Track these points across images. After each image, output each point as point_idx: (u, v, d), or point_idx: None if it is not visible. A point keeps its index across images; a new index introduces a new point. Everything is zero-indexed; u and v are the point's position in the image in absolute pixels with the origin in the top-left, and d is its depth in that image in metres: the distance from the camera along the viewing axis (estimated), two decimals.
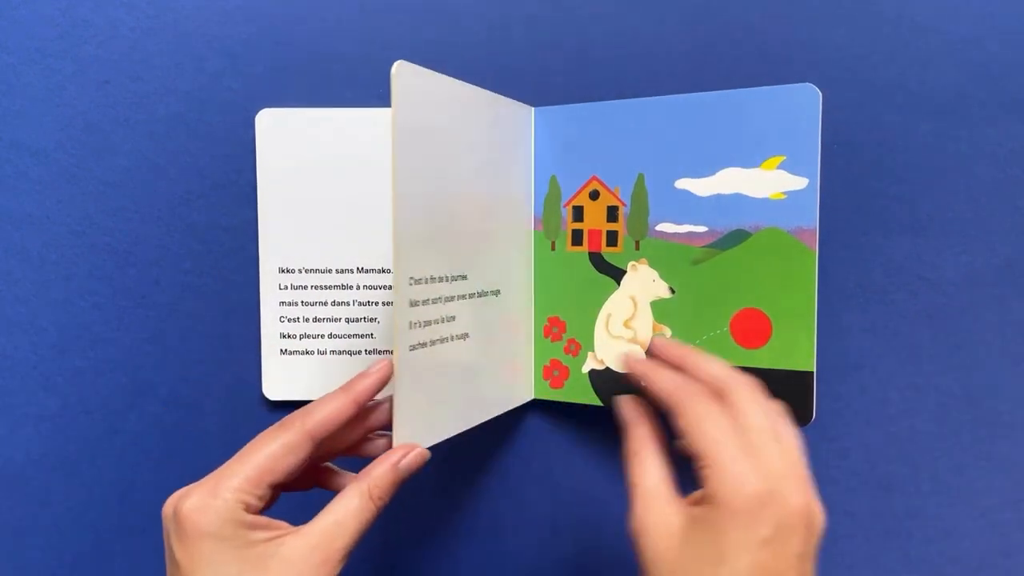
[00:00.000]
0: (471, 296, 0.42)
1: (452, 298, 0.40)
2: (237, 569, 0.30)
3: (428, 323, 0.37)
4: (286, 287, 0.48)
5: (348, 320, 0.48)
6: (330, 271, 0.48)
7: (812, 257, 0.42)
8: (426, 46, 0.49)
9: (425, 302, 0.37)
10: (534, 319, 0.48)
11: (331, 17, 0.49)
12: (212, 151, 0.49)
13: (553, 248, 0.48)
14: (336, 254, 0.48)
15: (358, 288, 0.48)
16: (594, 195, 0.46)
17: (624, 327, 0.46)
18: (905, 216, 0.49)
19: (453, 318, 0.40)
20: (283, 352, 0.48)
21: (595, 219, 0.46)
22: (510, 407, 0.46)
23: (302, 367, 0.48)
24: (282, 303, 0.48)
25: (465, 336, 0.41)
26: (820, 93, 0.40)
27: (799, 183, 0.42)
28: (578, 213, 0.47)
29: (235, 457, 0.33)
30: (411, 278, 0.36)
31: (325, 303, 0.48)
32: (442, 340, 0.39)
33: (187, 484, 0.33)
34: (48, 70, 0.48)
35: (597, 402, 0.47)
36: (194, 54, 0.49)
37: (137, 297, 0.49)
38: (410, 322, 0.36)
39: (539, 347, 0.48)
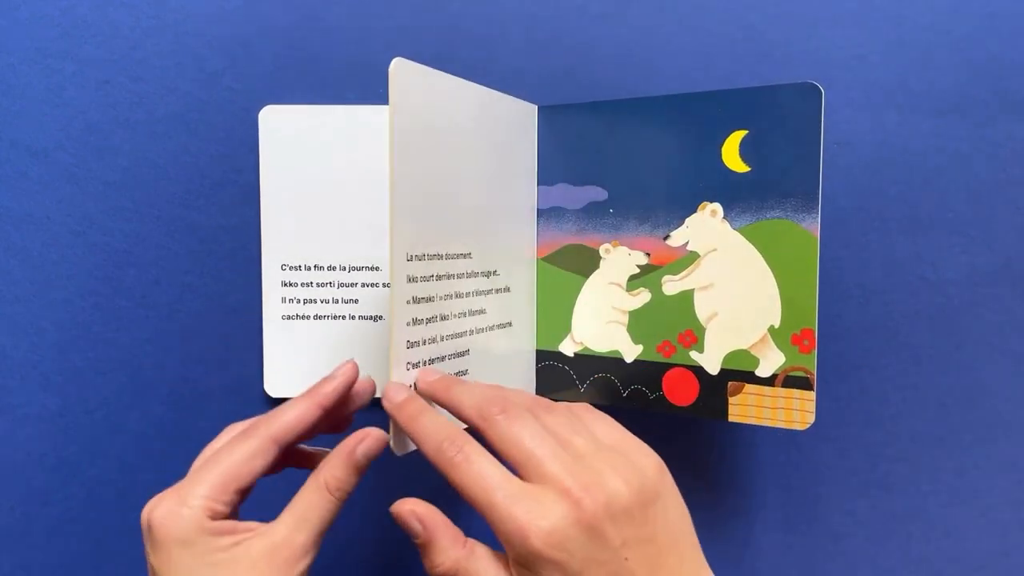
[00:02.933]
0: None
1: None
2: (206, 572, 0.31)
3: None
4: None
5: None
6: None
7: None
8: (427, 45, 0.49)
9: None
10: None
11: (331, 16, 0.49)
12: (213, 151, 0.49)
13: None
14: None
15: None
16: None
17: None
18: (905, 216, 0.49)
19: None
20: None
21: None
22: None
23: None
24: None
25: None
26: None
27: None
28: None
29: (203, 464, 0.34)
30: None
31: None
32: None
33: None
34: (48, 70, 0.48)
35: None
36: (194, 54, 0.49)
37: (137, 297, 0.49)
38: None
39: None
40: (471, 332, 0.42)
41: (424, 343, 0.38)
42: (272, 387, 0.48)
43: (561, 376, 0.48)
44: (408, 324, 0.36)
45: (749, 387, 0.42)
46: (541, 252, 0.48)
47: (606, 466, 0.31)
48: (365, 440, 0.35)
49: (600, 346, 0.47)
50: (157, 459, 0.50)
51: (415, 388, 0.37)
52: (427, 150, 0.37)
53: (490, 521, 0.30)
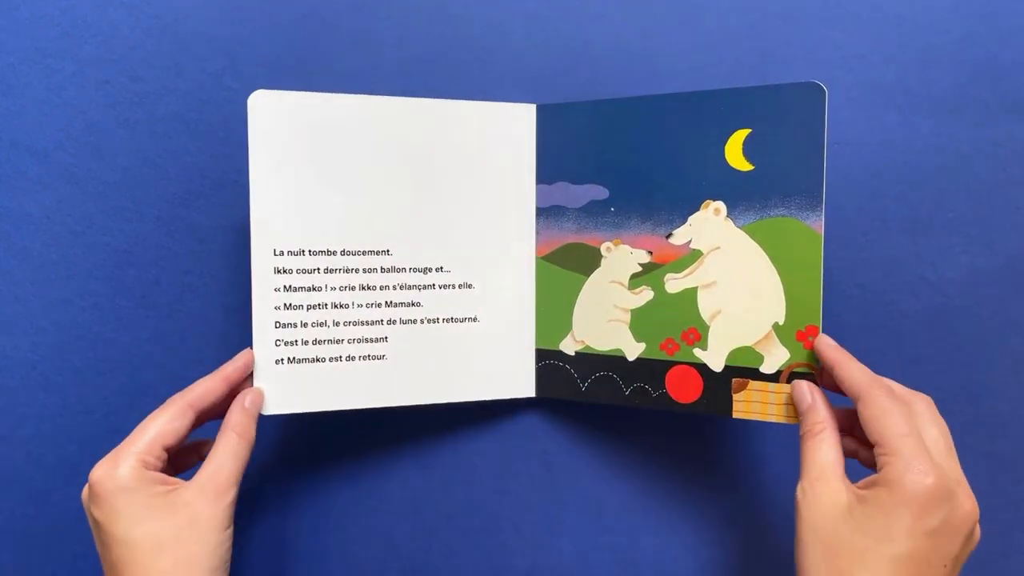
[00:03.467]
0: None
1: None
2: (147, 513, 0.37)
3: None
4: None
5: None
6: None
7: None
8: (427, 42, 0.49)
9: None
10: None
11: (331, 16, 0.49)
12: (212, 151, 0.49)
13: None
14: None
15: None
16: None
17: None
18: (905, 216, 0.49)
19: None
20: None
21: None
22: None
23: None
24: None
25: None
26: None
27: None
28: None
29: (130, 434, 0.39)
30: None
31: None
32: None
33: (187, 484, 0.39)
34: (48, 70, 0.48)
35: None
36: (194, 54, 0.49)
37: (137, 297, 0.49)
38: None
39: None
40: (388, 322, 0.46)
41: (297, 325, 0.44)
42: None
43: (561, 375, 0.48)
44: (277, 308, 0.44)
45: (753, 384, 0.43)
46: (540, 251, 0.48)
47: (961, 478, 0.36)
48: (250, 394, 0.43)
49: (601, 345, 0.47)
50: None
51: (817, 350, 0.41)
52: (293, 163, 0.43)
53: (889, 451, 0.35)
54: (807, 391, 0.41)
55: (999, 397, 0.50)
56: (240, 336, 0.49)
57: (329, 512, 0.50)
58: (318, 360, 0.45)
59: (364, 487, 0.51)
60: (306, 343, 0.45)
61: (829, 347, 0.41)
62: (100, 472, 0.37)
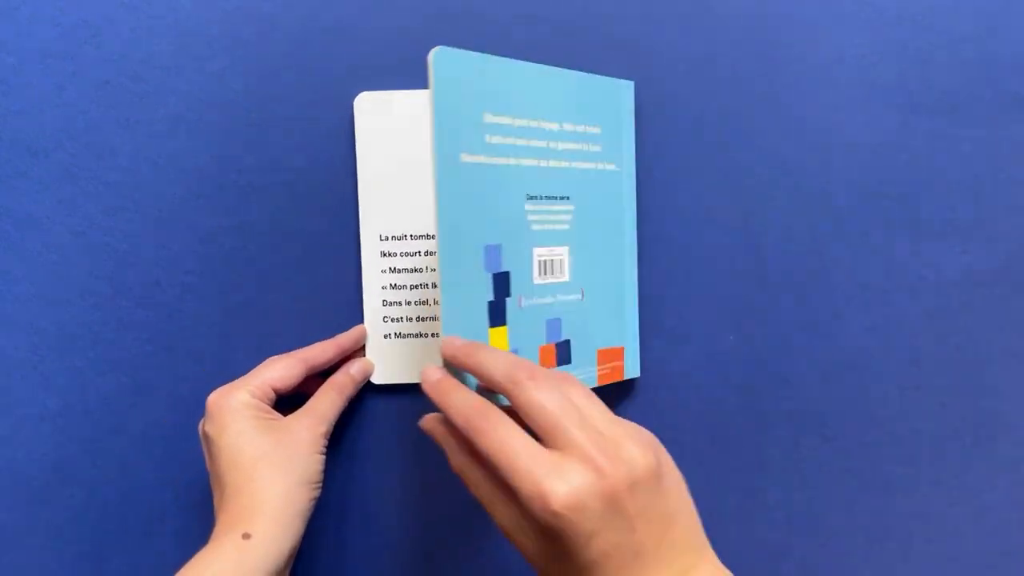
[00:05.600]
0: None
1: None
2: (251, 427, 0.42)
3: None
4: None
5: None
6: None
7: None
8: (431, 43, 0.49)
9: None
10: None
11: (331, 16, 0.49)
12: (212, 151, 0.49)
13: None
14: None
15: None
16: None
17: None
18: (905, 216, 0.49)
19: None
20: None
21: None
22: None
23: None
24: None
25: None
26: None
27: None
28: None
29: (248, 373, 0.45)
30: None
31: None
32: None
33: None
34: (48, 70, 0.48)
35: None
36: (194, 54, 0.49)
37: (137, 297, 0.49)
38: None
39: None
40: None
41: (402, 304, 0.48)
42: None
43: None
44: (384, 288, 0.48)
45: None
46: None
47: (626, 439, 0.33)
48: (360, 362, 0.48)
49: None
50: (157, 459, 0.50)
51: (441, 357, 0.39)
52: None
53: (513, 485, 0.32)
54: (436, 424, 0.38)
55: (999, 397, 0.50)
56: (240, 336, 0.49)
57: (329, 512, 0.50)
58: (421, 336, 0.49)
59: (364, 487, 0.51)
60: (410, 320, 0.49)
61: (427, 381, 0.38)
62: (215, 396, 0.44)
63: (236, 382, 0.44)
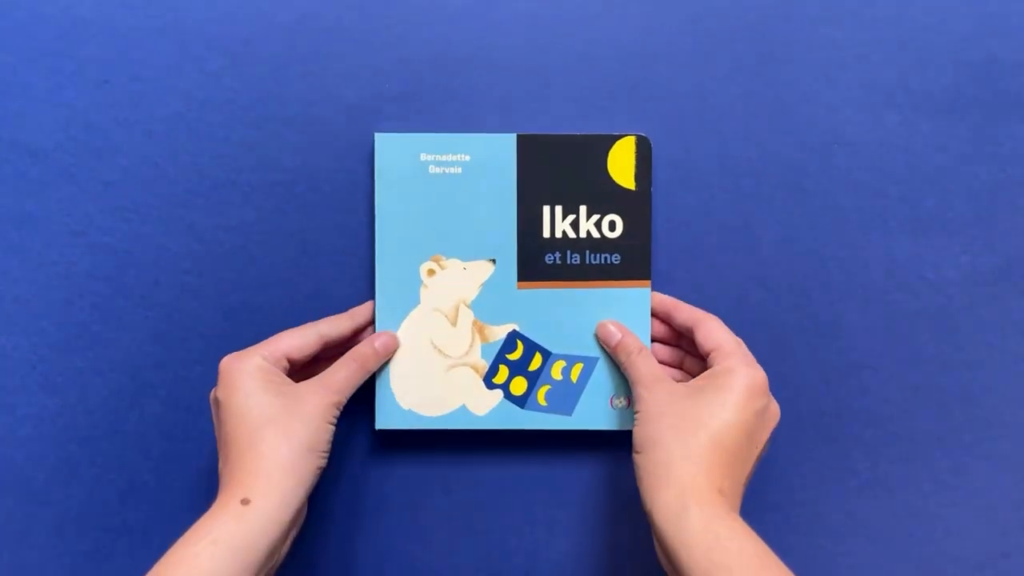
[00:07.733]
0: None
1: None
2: (261, 389, 0.42)
3: None
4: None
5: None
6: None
7: None
8: (429, 42, 0.49)
9: None
10: None
11: (331, 16, 0.49)
12: (212, 151, 0.49)
13: None
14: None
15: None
16: None
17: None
18: (905, 216, 0.49)
19: None
20: None
21: None
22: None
23: None
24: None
25: None
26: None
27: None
28: None
29: (262, 342, 0.44)
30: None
31: None
32: None
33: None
34: (48, 70, 0.48)
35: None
36: (194, 54, 0.49)
37: (137, 297, 0.49)
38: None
39: None
40: None
41: None
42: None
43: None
44: None
45: None
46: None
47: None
48: (385, 336, 0.48)
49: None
50: (157, 459, 0.50)
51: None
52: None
53: (729, 353, 0.43)
54: (613, 328, 0.47)
55: (999, 397, 0.50)
56: (240, 336, 0.49)
57: (328, 512, 0.50)
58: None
59: (363, 487, 0.51)
60: None
61: (660, 298, 0.48)
62: (227, 359, 0.43)
63: (249, 348, 0.44)
